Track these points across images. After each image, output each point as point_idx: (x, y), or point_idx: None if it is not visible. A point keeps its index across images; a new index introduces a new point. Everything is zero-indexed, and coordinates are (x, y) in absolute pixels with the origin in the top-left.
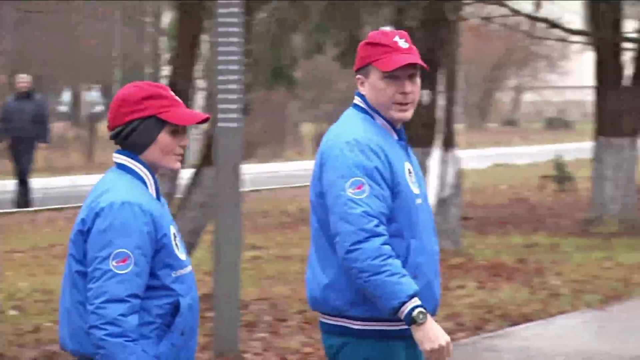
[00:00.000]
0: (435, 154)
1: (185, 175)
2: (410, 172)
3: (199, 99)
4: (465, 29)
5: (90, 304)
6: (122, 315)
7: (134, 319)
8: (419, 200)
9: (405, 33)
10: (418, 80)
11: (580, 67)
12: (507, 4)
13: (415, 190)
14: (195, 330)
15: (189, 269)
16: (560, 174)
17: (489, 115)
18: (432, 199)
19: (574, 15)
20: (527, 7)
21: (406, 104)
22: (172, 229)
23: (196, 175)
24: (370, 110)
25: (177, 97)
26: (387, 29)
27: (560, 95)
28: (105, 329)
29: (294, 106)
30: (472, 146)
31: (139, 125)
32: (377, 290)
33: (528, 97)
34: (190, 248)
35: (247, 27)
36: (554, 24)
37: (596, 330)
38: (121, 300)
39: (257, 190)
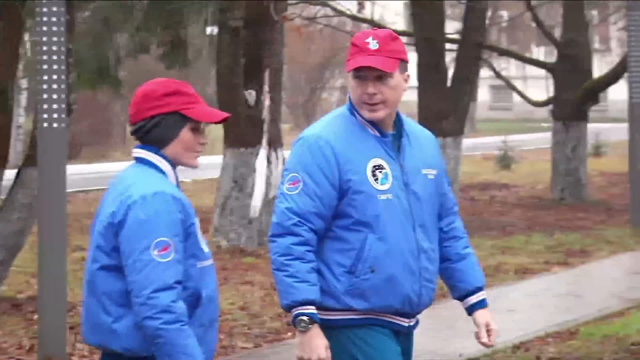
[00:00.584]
0: (262, 154)
1: (9, 176)
2: (378, 168)
3: (22, 99)
4: (290, 29)
5: (137, 297)
6: (173, 301)
7: (182, 304)
8: (384, 196)
9: (386, 33)
10: (392, 80)
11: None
12: (330, 5)
13: (380, 186)
14: (215, 323)
15: (210, 261)
16: None
17: (315, 115)
18: (258, 199)
19: (397, 17)
20: (352, 8)
21: (374, 104)
22: (197, 221)
23: (19, 176)
24: (352, 107)
25: (197, 95)
26: (375, 29)
27: None
28: (160, 318)
29: (119, 106)
30: None
31: (161, 121)
32: (277, 284)
33: None
34: (15, 249)
35: (70, 26)
36: (377, 25)
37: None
38: (169, 287)
39: (83, 191)
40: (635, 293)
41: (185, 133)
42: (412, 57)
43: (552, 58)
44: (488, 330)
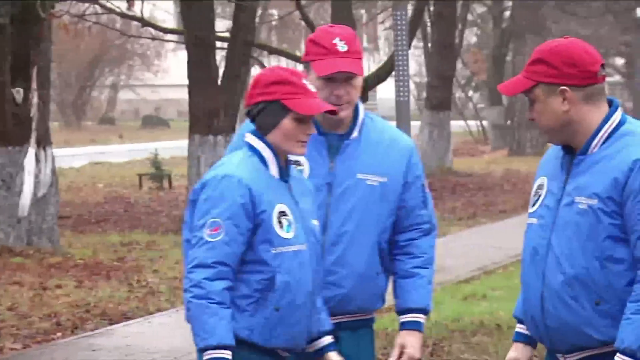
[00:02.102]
0: (30, 153)
1: None
2: (291, 163)
3: None
4: (58, 26)
5: (185, 269)
6: (207, 279)
7: (219, 284)
8: None
9: (349, 33)
10: (357, 80)
11: (176, 66)
12: (99, 2)
13: None
14: (300, 308)
15: (295, 247)
16: (158, 172)
17: (85, 114)
18: (27, 198)
19: (167, 14)
20: (121, 6)
21: (340, 104)
22: (282, 207)
23: None
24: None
25: (308, 86)
26: (333, 26)
27: (157, 93)
28: (192, 292)
29: None
30: (69, 144)
31: (264, 108)
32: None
33: (124, 95)
34: None
35: None
36: (147, 23)
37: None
38: (208, 266)
39: None
40: None
41: (287, 123)
42: (183, 55)
43: None
44: (401, 353)
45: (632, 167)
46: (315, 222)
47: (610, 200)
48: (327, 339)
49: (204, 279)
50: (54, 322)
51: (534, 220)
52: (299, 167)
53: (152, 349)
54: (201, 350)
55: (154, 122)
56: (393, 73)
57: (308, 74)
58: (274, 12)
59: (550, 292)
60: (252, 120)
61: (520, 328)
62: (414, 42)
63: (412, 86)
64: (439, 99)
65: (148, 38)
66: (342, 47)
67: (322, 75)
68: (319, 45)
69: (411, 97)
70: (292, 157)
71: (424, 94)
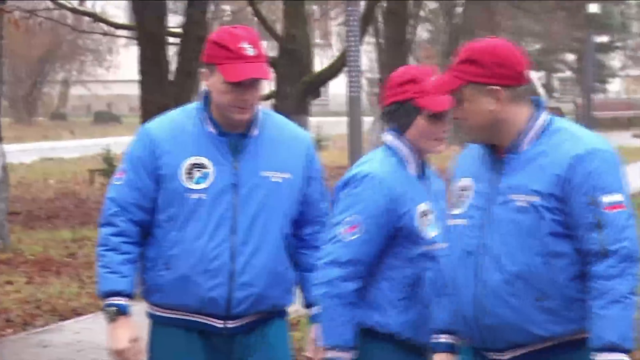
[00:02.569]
0: None
1: None
2: (195, 166)
3: None
4: (9, 21)
5: (319, 262)
6: (339, 278)
7: (350, 285)
8: (196, 195)
9: (254, 35)
10: (262, 84)
11: (128, 61)
12: None
13: (194, 185)
14: (438, 304)
15: (439, 245)
16: (109, 168)
17: (36, 109)
18: None
19: (118, 10)
20: (73, 1)
21: (245, 107)
22: (424, 207)
23: None
24: (204, 104)
25: (438, 83)
26: (236, 27)
27: (108, 89)
28: (323, 289)
29: None
30: (20, 140)
31: (398, 108)
32: (97, 274)
33: (76, 91)
34: None
35: None
36: (99, 18)
37: None
38: (341, 264)
39: None
40: None
41: (420, 121)
42: (135, 50)
43: (274, 53)
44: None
45: (572, 162)
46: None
47: (552, 196)
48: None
49: (337, 278)
50: (3, 319)
51: (462, 222)
52: (203, 170)
53: (102, 345)
54: (326, 349)
55: (105, 118)
56: (345, 68)
57: (209, 76)
58: (227, 7)
59: (487, 291)
60: (388, 121)
61: (442, 339)
62: (366, 38)
63: (364, 82)
64: None
65: (100, 34)
66: (250, 51)
67: (233, 81)
68: (226, 48)
69: (363, 93)
70: (196, 161)
71: (376, 90)
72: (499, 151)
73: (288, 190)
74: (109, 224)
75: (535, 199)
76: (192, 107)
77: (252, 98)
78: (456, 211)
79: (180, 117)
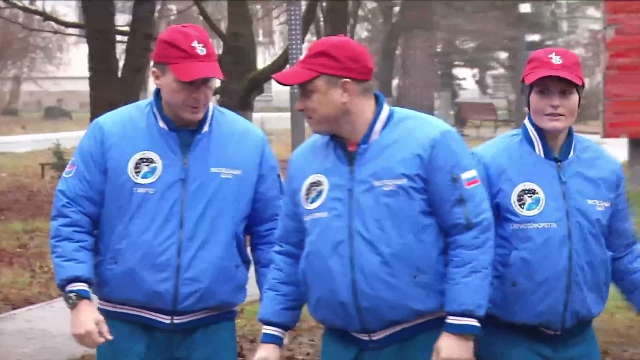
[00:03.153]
0: None
1: None
2: (143, 161)
3: None
4: None
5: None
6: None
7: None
8: (143, 190)
9: (204, 34)
10: (213, 82)
11: (77, 58)
12: None
13: (141, 179)
14: (543, 286)
15: (540, 225)
16: (60, 162)
17: None
18: None
19: (68, 9)
20: (24, 0)
21: (197, 107)
22: (529, 185)
23: None
24: (155, 100)
25: (543, 59)
26: (186, 27)
27: (59, 85)
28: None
29: None
30: None
31: (524, 90)
32: (53, 266)
33: (27, 87)
34: None
35: None
36: (49, 17)
37: None
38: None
39: None
40: None
41: (532, 97)
42: (84, 48)
43: (219, 50)
44: None
45: (432, 144)
46: (591, 202)
47: (418, 177)
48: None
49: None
50: None
51: (323, 214)
52: (151, 165)
53: (53, 332)
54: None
55: (56, 114)
56: (288, 66)
57: (160, 75)
58: (173, 7)
59: (364, 275)
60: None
61: (269, 330)
62: (308, 36)
63: None
64: None
65: (50, 32)
66: (201, 50)
67: (186, 80)
68: (178, 48)
69: None
70: (143, 156)
71: None
72: (348, 143)
73: (238, 186)
74: (60, 215)
75: (403, 182)
76: (145, 103)
77: (204, 97)
78: (311, 206)
79: (132, 112)
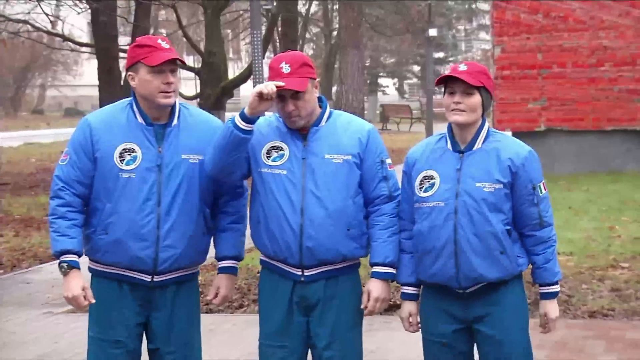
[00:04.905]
0: None
1: None
2: (126, 151)
3: None
4: None
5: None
6: None
7: None
8: (127, 175)
9: (165, 37)
10: (177, 73)
11: (89, 70)
12: (30, 23)
13: (125, 166)
14: (436, 249)
15: (427, 203)
16: None
17: (20, 106)
18: None
19: (82, 32)
20: (47, 25)
21: (170, 92)
22: (427, 173)
23: None
24: (134, 99)
25: (453, 68)
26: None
27: (75, 91)
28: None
29: None
30: (8, 130)
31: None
32: (50, 239)
33: (50, 93)
34: None
35: None
36: (67, 38)
37: None
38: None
39: None
40: None
41: (444, 97)
42: (95, 62)
43: (199, 64)
44: (217, 294)
45: (367, 134)
46: (479, 185)
47: (357, 156)
48: None
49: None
50: None
51: (282, 172)
52: (132, 154)
53: None
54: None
55: (73, 113)
56: (251, 76)
57: (135, 76)
58: (163, 30)
59: (311, 222)
60: None
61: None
62: (267, 54)
63: None
64: None
65: (68, 50)
66: (164, 45)
67: (156, 64)
68: (145, 45)
69: None
70: (126, 146)
71: None
72: (300, 128)
73: (203, 168)
74: (56, 196)
75: (349, 157)
76: (124, 103)
77: (174, 82)
78: (274, 163)
79: (114, 111)
